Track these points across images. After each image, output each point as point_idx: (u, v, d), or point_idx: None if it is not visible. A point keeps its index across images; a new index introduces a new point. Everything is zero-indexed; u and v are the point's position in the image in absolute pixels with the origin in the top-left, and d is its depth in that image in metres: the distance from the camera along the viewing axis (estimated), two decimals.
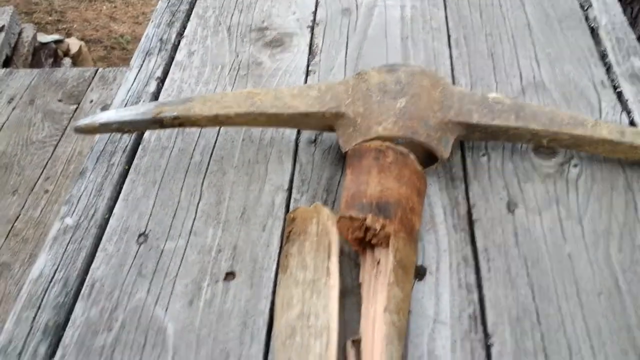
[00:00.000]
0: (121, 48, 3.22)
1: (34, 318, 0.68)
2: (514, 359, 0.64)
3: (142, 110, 0.83)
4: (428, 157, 0.79)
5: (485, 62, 1.01)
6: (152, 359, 0.64)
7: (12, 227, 1.53)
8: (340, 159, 0.84)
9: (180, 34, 1.12)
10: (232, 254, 0.74)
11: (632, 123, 0.89)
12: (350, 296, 0.68)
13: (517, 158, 0.84)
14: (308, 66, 1.03)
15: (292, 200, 0.80)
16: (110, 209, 0.80)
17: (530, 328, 0.66)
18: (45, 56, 2.68)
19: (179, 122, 0.82)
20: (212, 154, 0.87)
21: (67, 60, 2.80)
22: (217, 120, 0.82)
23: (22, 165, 1.68)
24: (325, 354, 0.56)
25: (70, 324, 0.68)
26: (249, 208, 0.79)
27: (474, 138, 0.84)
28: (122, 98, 0.98)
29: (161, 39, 1.10)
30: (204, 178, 0.83)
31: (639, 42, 1.04)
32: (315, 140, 0.88)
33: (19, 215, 1.56)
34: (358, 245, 0.70)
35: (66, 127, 1.80)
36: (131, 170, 0.85)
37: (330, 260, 0.65)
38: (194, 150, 0.87)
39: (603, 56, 1.01)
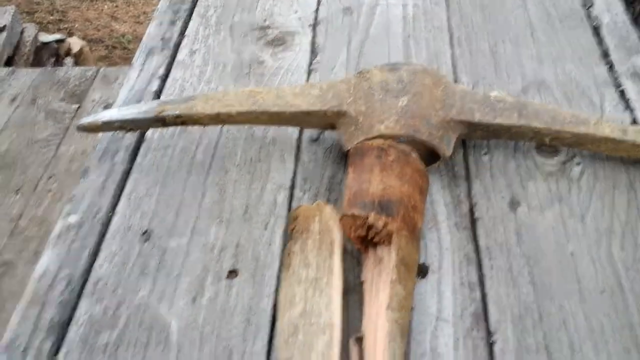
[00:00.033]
0: (122, 47, 3.22)
1: (38, 315, 0.69)
2: (516, 356, 0.64)
3: (144, 108, 0.84)
4: (430, 156, 0.79)
5: (487, 61, 1.01)
6: (155, 356, 0.65)
7: (15, 226, 1.53)
8: (342, 158, 0.84)
9: (182, 33, 1.12)
10: (235, 252, 0.74)
11: (634, 121, 0.89)
12: (353, 294, 0.68)
13: (520, 156, 0.84)
14: (310, 65, 1.03)
15: (294, 199, 0.80)
16: (113, 207, 0.80)
17: (533, 326, 0.66)
18: (47, 56, 2.68)
19: (182, 120, 0.82)
20: (214, 152, 0.87)
21: (68, 60, 2.80)
22: (219, 119, 0.83)
23: (25, 164, 1.69)
24: (328, 351, 0.57)
25: (74, 321, 0.68)
26: (251, 206, 0.79)
27: (476, 136, 0.84)
28: (124, 97, 0.98)
29: (163, 38, 1.10)
30: (207, 176, 0.84)
31: None
32: (317, 138, 0.88)
33: (22, 213, 1.56)
34: (360, 244, 0.70)
35: (69, 127, 1.80)
36: (134, 168, 0.85)
37: (333, 258, 0.65)
38: (196, 148, 0.88)
39: (605, 55, 1.01)
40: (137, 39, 3.18)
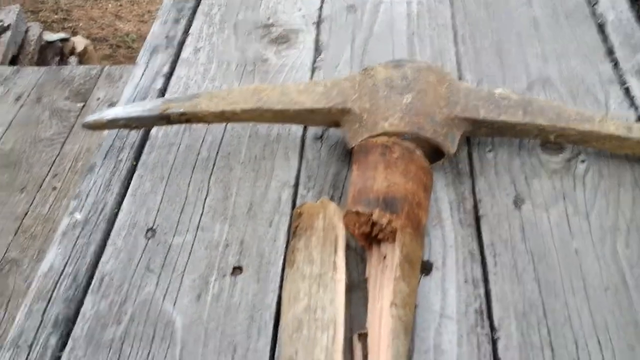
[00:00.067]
0: (127, 46, 3.22)
1: (45, 311, 0.69)
2: (520, 353, 0.64)
3: (149, 106, 0.84)
4: (434, 153, 0.79)
5: (492, 59, 1.01)
6: (160, 351, 0.65)
7: (20, 224, 1.54)
8: (347, 155, 0.85)
9: (186, 31, 1.12)
10: (239, 249, 0.74)
11: (639, 119, 0.89)
12: (357, 291, 0.69)
13: (524, 154, 0.84)
14: (314, 63, 1.03)
15: (298, 196, 0.81)
16: (118, 204, 0.81)
17: (537, 323, 0.66)
18: (52, 55, 2.68)
19: (186, 118, 0.83)
20: (219, 150, 0.87)
21: (73, 59, 2.81)
22: (224, 116, 0.83)
23: (30, 163, 1.69)
24: (331, 347, 0.57)
25: (80, 317, 0.69)
26: (255, 204, 0.80)
27: (481, 134, 0.84)
28: (129, 95, 0.98)
29: (167, 36, 1.10)
30: (211, 174, 0.84)
31: None
32: (321, 136, 0.89)
33: (28, 212, 1.57)
34: (364, 240, 0.70)
35: (73, 125, 1.81)
36: (139, 166, 0.86)
37: (337, 254, 0.65)
38: (201, 146, 0.88)
39: (610, 52, 1.01)
40: (141, 37, 3.18)
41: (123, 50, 3.22)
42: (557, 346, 0.64)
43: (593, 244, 0.73)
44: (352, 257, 0.72)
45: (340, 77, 0.90)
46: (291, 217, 0.77)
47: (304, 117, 0.84)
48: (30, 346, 0.66)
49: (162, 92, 0.99)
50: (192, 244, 0.75)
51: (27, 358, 0.65)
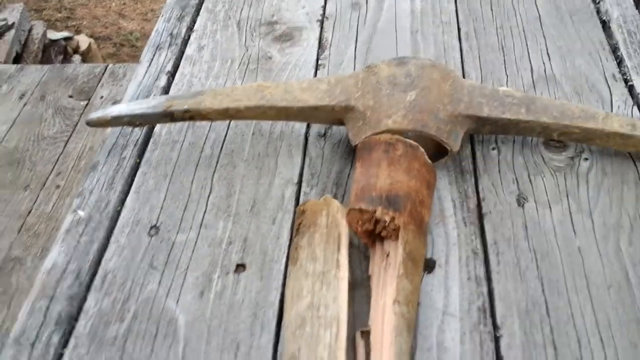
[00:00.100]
0: (130, 45, 3.23)
1: (47, 309, 0.69)
2: (523, 351, 0.64)
3: (153, 103, 0.84)
4: (438, 151, 0.79)
5: (496, 56, 1.01)
6: (163, 349, 0.65)
7: (24, 222, 1.54)
8: (350, 153, 0.84)
9: (190, 29, 1.12)
10: (243, 246, 0.74)
11: None
12: (360, 288, 0.68)
13: (528, 152, 0.84)
14: (317, 60, 1.03)
15: (301, 194, 0.81)
16: (122, 202, 0.81)
17: (540, 321, 0.66)
18: (55, 53, 2.69)
19: (190, 115, 0.83)
20: (222, 147, 0.87)
21: (76, 57, 2.82)
22: (228, 114, 0.83)
23: (33, 161, 1.70)
24: (335, 344, 0.57)
25: (82, 314, 0.69)
26: (259, 201, 0.80)
27: (484, 131, 0.83)
28: (133, 92, 0.98)
29: (171, 34, 1.10)
30: (215, 171, 0.84)
31: None
32: (324, 133, 0.89)
33: (31, 210, 1.57)
34: (367, 238, 0.70)
35: (77, 123, 1.81)
36: (142, 163, 0.86)
37: (340, 252, 0.65)
38: (204, 143, 0.88)
39: (614, 50, 1.01)
40: (145, 36, 3.18)
41: (127, 49, 3.22)
42: (560, 344, 0.64)
43: (596, 242, 0.73)
44: (355, 254, 0.72)
45: (344, 74, 0.90)
46: (294, 214, 0.77)
47: (308, 114, 0.84)
48: (33, 344, 0.66)
49: (166, 90, 0.99)
50: (196, 242, 0.75)
51: (29, 356, 0.65)
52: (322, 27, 1.10)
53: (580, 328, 0.65)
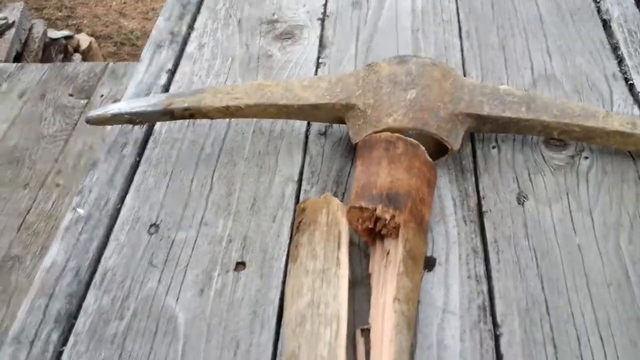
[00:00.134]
0: (131, 44, 3.23)
1: (47, 306, 0.69)
2: (523, 349, 0.64)
3: (153, 101, 0.84)
4: (438, 149, 0.79)
5: (497, 55, 1.01)
6: (163, 347, 0.65)
7: (23, 221, 1.54)
8: (350, 151, 0.84)
9: (190, 27, 1.12)
10: (243, 244, 0.74)
11: None
12: (360, 286, 0.68)
13: (528, 150, 0.84)
14: (318, 58, 1.03)
15: (302, 192, 0.81)
16: (121, 200, 0.81)
17: (540, 319, 0.66)
18: (56, 52, 2.69)
19: (190, 113, 0.83)
20: (222, 145, 0.87)
21: (77, 56, 2.81)
22: (228, 112, 0.83)
23: (33, 159, 1.69)
24: (334, 342, 0.57)
25: (82, 312, 0.69)
26: (259, 199, 0.80)
27: (485, 130, 0.83)
28: (133, 91, 0.98)
29: (172, 32, 1.10)
30: (215, 169, 0.84)
31: None
32: (325, 132, 0.88)
33: (31, 208, 1.57)
34: (368, 236, 0.70)
35: (77, 122, 1.81)
36: (142, 161, 0.86)
37: (340, 250, 0.65)
38: (204, 142, 0.88)
39: (615, 49, 1.01)
40: (146, 35, 3.18)
41: (127, 48, 3.22)
42: (559, 342, 0.64)
43: (596, 240, 0.73)
44: (356, 252, 0.72)
45: (345, 72, 0.90)
46: (294, 212, 0.77)
47: (308, 112, 0.83)
48: (32, 342, 0.66)
49: (166, 88, 0.99)
50: (195, 240, 0.75)
51: (28, 354, 0.65)
52: (323, 26, 1.10)
53: (580, 326, 0.65)
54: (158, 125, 0.91)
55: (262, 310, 0.68)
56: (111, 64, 2.02)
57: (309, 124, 0.89)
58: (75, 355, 0.65)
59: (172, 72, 1.01)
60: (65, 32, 2.83)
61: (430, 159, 0.74)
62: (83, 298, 0.70)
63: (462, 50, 1.03)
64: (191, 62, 1.03)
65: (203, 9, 1.17)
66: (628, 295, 0.68)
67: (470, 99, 0.81)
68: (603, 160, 0.82)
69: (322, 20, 1.12)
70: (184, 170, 0.84)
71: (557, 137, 0.82)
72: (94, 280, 0.72)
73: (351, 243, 0.69)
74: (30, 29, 2.53)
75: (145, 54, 1.06)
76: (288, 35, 1.08)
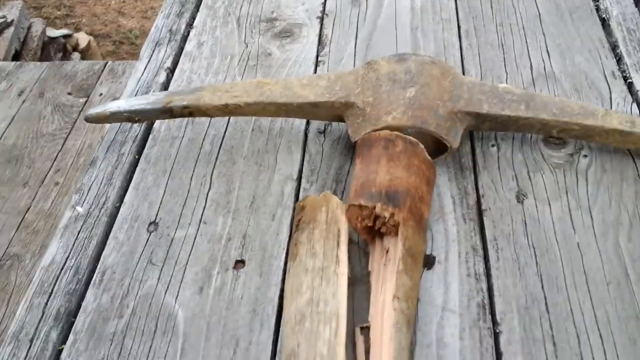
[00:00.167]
0: (130, 43, 3.22)
1: (46, 305, 0.69)
2: (522, 347, 0.64)
3: (152, 99, 0.84)
4: (437, 147, 0.79)
5: (496, 53, 1.01)
6: (162, 345, 0.65)
7: (22, 219, 1.54)
8: (349, 149, 0.84)
9: (189, 25, 1.12)
10: (242, 242, 0.74)
11: None
12: (360, 284, 0.68)
13: (527, 148, 0.84)
14: (317, 57, 1.03)
15: (301, 190, 0.81)
16: (120, 198, 0.81)
17: (539, 317, 0.66)
18: (54, 51, 2.68)
19: (189, 111, 0.83)
20: (221, 143, 0.87)
21: (76, 55, 2.81)
22: (227, 110, 0.83)
23: (32, 158, 1.69)
24: (334, 340, 0.57)
25: (81, 310, 0.69)
26: (258, 197, 0.80)
27: (484, 128, 0.83)
28: (132, 88, 0.98)
29: (171, 30, 1.10)
30: (214, 167, 0.84)
31: None
32: (324, 130, 0.88)
33: (30, 207, 1.57)
34: (367, 234, 0.70)
35: (76, 120, 1.81)
36: (141, 159, 0.86)
37: (340, 248, 0.65)
38: (203, 140, 0.88)
39: (614, 47, 1.01)
40: (145, 34, 3.17)
41: (126, 47, 3.22)
42: (559, 340, 0.64)
43: (595, 239, 0.73)
44: (355, 250, 0.72)
45: (344, 70, 0.90)
46: (294, 210, 0.77)
47: (307, 110, 0.83)
48: (32, 340, 0.66)
49: (165, 86, 0.98)
50: (195, 238, 0.75)
51: (28, 352, 0.65)
52: (322, 24, 1.10)
53: (579, 324, 0.65)
54: (157, 123, 0.91)
55: (261, 308, 0.68)
56: (110, 62, 2.02)
57: (308, 122, 0.89)
58: (74, 354, 0.65)
59: (171, 70, 1.01)
60: (64, 31, 2.82)
61: (429, 157, 0.74)
62: (82, 296, 0.70)
63: (461, 48, 1.03)
64: (190, 60, 1.03)
65: (202, 7, 1.17)
66: (627, 293, 0.68)
67: (470, 97, 0.81)
68: (602, 159, 0.82)
69: (321, 18, 1.12)
70: (183, 168, 0.84)
71: (556, 135, 0.82)
72: (93, 279, 0.72)
73: (350, 241, 0.69)
74: (29, 28, 2.53)
75: (144, 51, 1.06)
76: (287, 34, 1.08)
